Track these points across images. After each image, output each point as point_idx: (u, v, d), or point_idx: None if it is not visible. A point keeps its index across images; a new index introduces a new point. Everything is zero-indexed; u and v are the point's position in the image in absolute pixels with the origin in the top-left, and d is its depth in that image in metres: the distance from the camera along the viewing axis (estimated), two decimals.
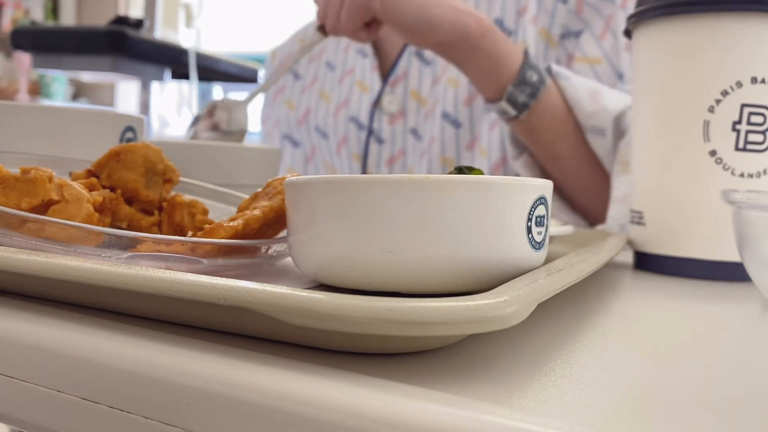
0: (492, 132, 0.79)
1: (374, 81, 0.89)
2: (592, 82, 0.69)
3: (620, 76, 0.75)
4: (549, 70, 0.70)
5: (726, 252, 0.41)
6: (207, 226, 0.32)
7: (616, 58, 0.75)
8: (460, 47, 0.65)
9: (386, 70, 0.90)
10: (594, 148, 0.70)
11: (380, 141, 0.87)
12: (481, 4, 0.84)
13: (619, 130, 0.67)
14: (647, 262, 0.45)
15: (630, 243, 0.46)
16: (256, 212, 0.32)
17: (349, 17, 0.64)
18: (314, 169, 0.96)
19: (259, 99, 0.81)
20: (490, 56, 0.65)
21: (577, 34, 0.78)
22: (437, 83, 0.84)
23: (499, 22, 0.81)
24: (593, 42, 0.77)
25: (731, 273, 0.41)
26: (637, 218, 0.46)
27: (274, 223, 0.33)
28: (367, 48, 0.91)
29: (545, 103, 0.67)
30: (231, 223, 0.32)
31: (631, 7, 0.75)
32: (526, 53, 0.67)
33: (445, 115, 0.82)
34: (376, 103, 0.87)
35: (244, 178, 0.57)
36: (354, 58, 0.93)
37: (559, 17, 0.78)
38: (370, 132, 0.88)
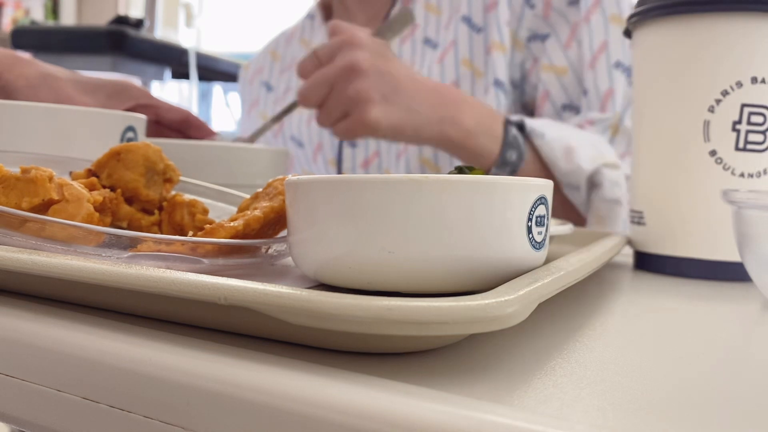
0: None
1: None
2: (565, 137, 0.71)
3: (585, 92, 0.77)
4: (522, 128, 0.71)
5: (726, 252, 0.41)
6: (207, 226, 0.32)
7: (581, 71, 0.77)
8: (443, 148, 0.69)
9: None
10: (570, 199, 0.73)
11: (353, 144, 0.87)
12: (448, 2, 0.84)
13: (593, 184, 0.71)
14: (647, 262, 0.45)
15: (630, 243, 0.46)
16: (257, 213, 0.32)
17: (333, 111, 0.63)
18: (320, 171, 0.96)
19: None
20: (472, 153, 0.68)
21: (543, 38, 0.80)
22: None
23: (467, 20, 0.81)
24: (559, 50, 0.79)
25: (731, 273, 0.41)
26: (637, 218, 0.46)
27: (274, 223, 0.33)
28: None
29: (524, 170, 0.71)
30: (231, 224, 0.32)
31: (595, 22, 0.77)
32: (505, 131, 0.69)
33: None
34: None
35: (253, 179, 0.57)
36: None
37: (526, 20, 0.80)
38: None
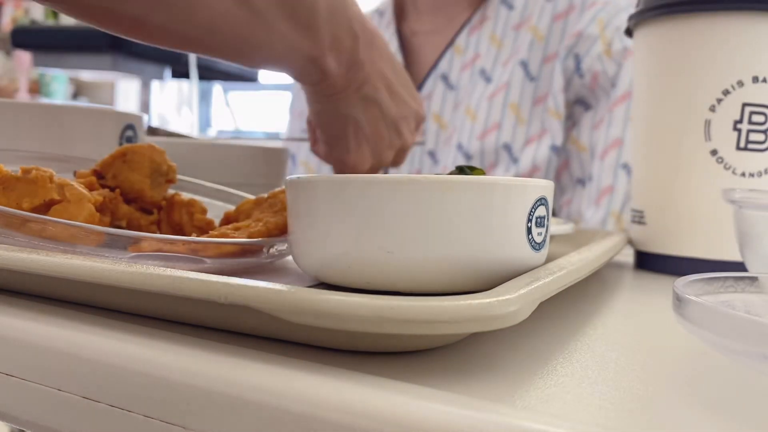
0: (495, 170, 0.80)
1: None
2: None
3: (590, 178, 0.77)
4: None
5: (727, 251, 0.41)
6: (212, 232, 0.32)
7: (594, 156, 0.77)
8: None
9: (415, 86, 0.89)
10: None
11: None
12: (507, 52, 0.83)
13: None
14: (648, 262, 0.45)
15: (631, 242, 0.46)
16: (260, 227, 0.32)
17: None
18: (329, 168, 0.95)
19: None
20: None
21: (587, 108, 0.79)
22: (457, 109, 0.84)
23: (524, 65, 0.81)
24: (589, 128, 0.78)
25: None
26: (638, 217, 0.46)
27: (276, 236, 0.33)
28: (399, 59, 0.89)
29: None
30: (235, 239, 0.32)
31: (617, 114, 0.76)
32: None
33: (459, 146, 0.82)
34: None
35: (253, 178, 0.57)
36: None
37: (574, 87, 0.79)
38: None
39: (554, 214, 0.81)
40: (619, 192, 0.75)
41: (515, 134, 0.80)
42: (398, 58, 0.90)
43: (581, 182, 0.79)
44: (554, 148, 0.78)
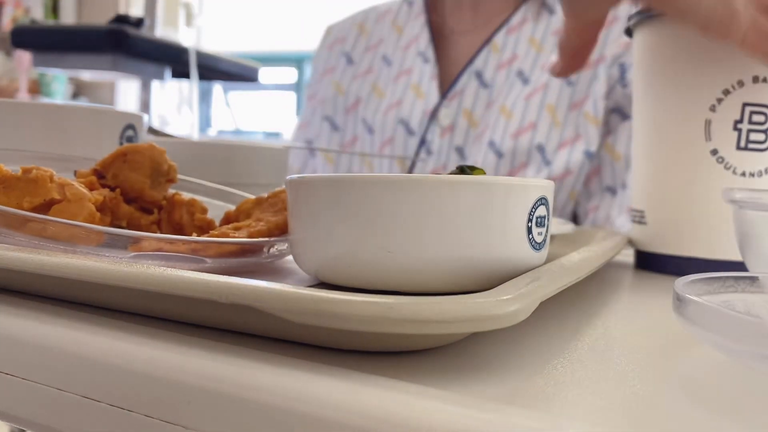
0: (526, 170, 0.79)
1: (431, 90, 0.87)
2: None
3: (624, 186, 0.76)
4: None
5: (727, 251, 0.41)
6: (212, 232, 0.32)
7: (628, 163, 0.76)
8: None
9: (445, 81, 0.88)
10: None
11: (429, 152, 0.86)
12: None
13: None
14: (648, 262, 0.45)
15: (631, 242, 0.46)
16: (262, 226, 0.32)
17: None
18: (348, 158, 0.93)
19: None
20: None
21: (624, 117, 0.78)
22: (490, 107, 0.84)
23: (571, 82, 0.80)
24: (627, 138, 0.77)
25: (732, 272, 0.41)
26: (638, 217, 0.46)
27: (276, 235, 0.33)
28: (429, 53, 0.89)
29: None
30: (236, 239, 0.32)
31: None
32: None
33: (491, 143, 0.81)
34: (433, 115, 0.86)
35: (253, 177, 0.57)
36: (413, 60, 0.90)
37: (615, 95, 0.78)
38: (423, 142, 0.87)
39: (577, 221, 0.81)
40: None
41: (550, 136, 0.79)
42: (429, 51, 0.89)
43: (611, 190, 0.78)
44: (588, 154, 0.77)
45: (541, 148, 0.79)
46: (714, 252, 0.42)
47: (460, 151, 0.85)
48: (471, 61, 0.85)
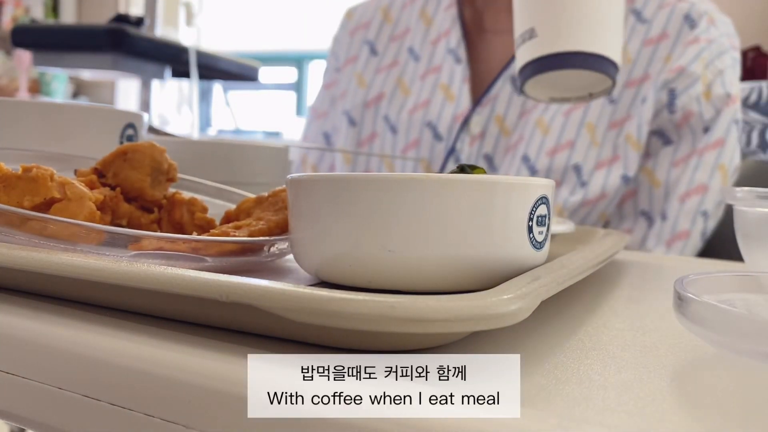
0: (559, 190, 0.75)
1: (463, 94, 0.81)
2: None
3: (663, 217, 0.73)
4: None
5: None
6: (213, 231, 0.32)
7: (671, 197, 0.74)
8: None
9: (477, 84, 0.82)
10: None
11: (458, 161, 0.80)
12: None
13: None
14: (540, 66, 0.47)
15: (523, 68, 0.49)
16: (262, 225, 0.32)
17: None
18: (365, 156, 0.87)
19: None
20: None
21: (666, 142, 0.75)
22: (525, 116, 0.79)
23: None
24: (668, 164, 0.74)
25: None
26: (528, 36, 0.48)
27: (277, 234, 0.33)
28: (461, 52, 0.82)
29: None
30: (236, 239, 0.32)
31: (706, 160, 0.72)
32: None
33: (526, 159, 0.77)
34: (464, 123, 0.80)
35: (254, 177, 0.57)
36: (444, 57, 0.83)
37: (660, 119, 0.75)
38: (452, 150, 0.81)
39: None
40: (694, 238, 0.72)
41: (587, 155, 0.75)
42: (461, 50, 0.82)
43: (646, 215, 0.75)
44: (626, 179, 0.74)
45: (577, 168, 0.75)
46: (596, 46, 0.45)
47: (490, 159, 0.80)
48: (507, 65, 0.79)
